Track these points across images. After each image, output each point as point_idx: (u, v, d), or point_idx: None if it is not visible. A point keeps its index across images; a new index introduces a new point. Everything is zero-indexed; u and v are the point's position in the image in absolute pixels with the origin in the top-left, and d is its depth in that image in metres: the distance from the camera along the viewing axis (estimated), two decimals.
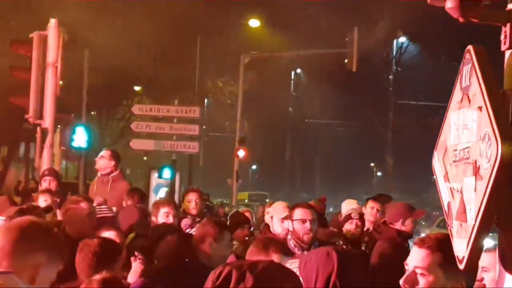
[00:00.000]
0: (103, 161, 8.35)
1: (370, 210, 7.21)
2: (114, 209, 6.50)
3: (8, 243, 2.68)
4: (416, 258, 2.69)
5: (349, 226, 6.60)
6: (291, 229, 5.45)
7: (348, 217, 6.65)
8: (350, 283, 3.01)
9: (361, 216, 6.79)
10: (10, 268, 2.64)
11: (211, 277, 2.03)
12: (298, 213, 5.43)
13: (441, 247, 2.66)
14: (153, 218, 6.68)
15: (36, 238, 2.72)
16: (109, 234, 4.76)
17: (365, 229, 7.05)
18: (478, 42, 2.56)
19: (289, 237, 5.47)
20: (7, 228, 2.77)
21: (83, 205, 5.25)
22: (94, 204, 6.18)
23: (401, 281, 2.69)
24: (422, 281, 2.65)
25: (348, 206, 7.29)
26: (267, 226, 6.30)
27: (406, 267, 2.75)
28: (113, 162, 8.32)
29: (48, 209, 6.08)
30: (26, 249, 2.68)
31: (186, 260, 4.58)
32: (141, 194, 7.10)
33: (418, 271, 2.66)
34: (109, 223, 5.77)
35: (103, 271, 3.66)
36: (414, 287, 2.67)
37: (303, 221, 5.36)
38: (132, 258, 4.70)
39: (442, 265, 2.64)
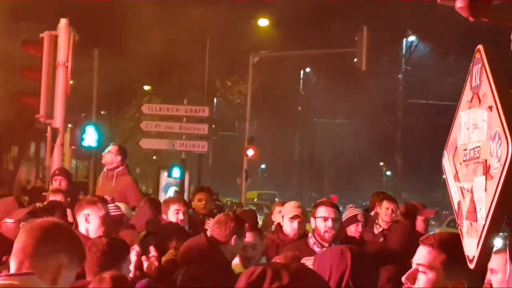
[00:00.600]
0: (110, 156, 8.39)
1: (385, 211, 7.18)
2: (122, 207, 6.51)
3: (31, 244, 2.69)
4: (419, 255, 2.70)
5: (354, 228, 6.57)
6: (313, 226, 5.46)
7: (354, 219, 6.62)
8: (363, 283, 3.02)
9: (366, 219, 6.78)
10: (32, 269, 2.64)
11: (244, 276, 2.03)
12: (321, 211, 5.45)
13: (444, 245, 2.65)
14: (164, 216, 6.70)
15: (59, 238, 2.73)
16: (125, 233, 4.78)
17: (380, 229, 7.05)
18: (487, 41, 2.56)
19: (309, 234, 5.49)
20: (30, 229, 2.77)
21: (99, 205, 5.25)
22: None
23: (403, 278, 2.69)
24: (422, 278, 2.65)
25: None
26: (280, 225, 6.30)
27: (413, 265, 2.75)
28: (119, 157, 8.35)
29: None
30: (48, 249, 2.69)
31: (217, 262, 4.53)
32: (157, 205, 7.09)
33: (420, 268, 2.66)
34: (119, 222, 5.80)
35: (111, 270, 3.68)
36: (415, 284, 2.67)
37: (325, 219, 5.38)
38: (144, 257, 4.71)
39: (444, 263, 2.63)
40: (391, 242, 6.74)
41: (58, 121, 12.46)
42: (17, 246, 2.74)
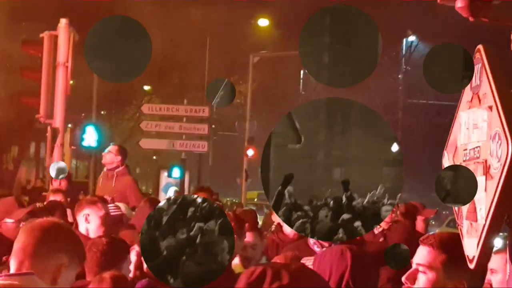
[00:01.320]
0: (110, 156, 8.40)
1: None
2: (122, 207, 6.52)
3: (31, 244, 2.70)
4: (419, 255, 2.70)
5: None
6: None
7: None
8: (363, 283, 3.02)
9: None
10: (32, 269, 2.65)
11: (244, 276, 2.03)
12: None
13: (444, 245, 2.65)
14: None
15: (59, 239, 2.74)
16: (125, 233, 4.79)
17: (380, 229, 7.04)
18: (487, 41, 2.56)
19: None
20: (30, 229, 2.78)
21: (99, 205, 5.25)
22: None
23: (403, 278, 2.69)
24: (422, 278, 2.65)
25: None
26: (279, 225, 6.29)
27: (413, 265, 2.75)
28: (119, 157, 8.35)
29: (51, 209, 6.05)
30: (48, 249, 2.70)
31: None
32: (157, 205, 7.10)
33: (420, 268, 2.66)
34: (119, 222, 5.80)
35: (111, 269, 3.68)
36: (415, 284, 2.67)
37: None
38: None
39: (444, 263, 2.63)
40: (391, 242, 6.73)
41: (58, 121, 12.47)
42: (17, 246, 2.74)
